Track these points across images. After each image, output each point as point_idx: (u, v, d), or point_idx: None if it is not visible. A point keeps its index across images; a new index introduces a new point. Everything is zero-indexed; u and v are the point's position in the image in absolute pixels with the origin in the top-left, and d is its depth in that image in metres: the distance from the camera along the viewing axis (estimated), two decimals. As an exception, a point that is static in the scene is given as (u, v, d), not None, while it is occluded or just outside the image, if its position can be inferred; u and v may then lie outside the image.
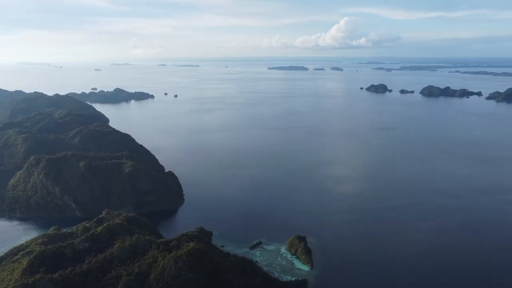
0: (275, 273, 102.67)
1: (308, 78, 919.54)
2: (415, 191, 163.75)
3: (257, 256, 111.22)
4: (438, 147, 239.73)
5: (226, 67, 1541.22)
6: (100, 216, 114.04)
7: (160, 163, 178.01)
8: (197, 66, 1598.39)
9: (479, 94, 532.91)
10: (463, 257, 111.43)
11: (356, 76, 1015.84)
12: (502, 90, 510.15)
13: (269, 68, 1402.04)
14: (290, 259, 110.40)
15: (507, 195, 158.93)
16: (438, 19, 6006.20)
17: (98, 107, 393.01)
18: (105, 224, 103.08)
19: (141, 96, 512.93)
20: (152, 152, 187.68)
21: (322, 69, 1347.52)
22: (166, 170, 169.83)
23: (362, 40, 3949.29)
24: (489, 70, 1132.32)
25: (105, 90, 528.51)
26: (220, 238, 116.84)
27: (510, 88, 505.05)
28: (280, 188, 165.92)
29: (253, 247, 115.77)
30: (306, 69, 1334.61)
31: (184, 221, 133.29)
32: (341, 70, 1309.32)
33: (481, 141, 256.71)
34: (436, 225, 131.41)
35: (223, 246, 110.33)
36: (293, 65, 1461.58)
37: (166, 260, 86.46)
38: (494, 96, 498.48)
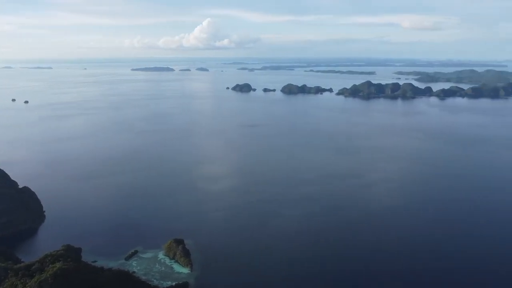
0: (154, 280, 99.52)
1: (175, 79, 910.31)
2: (282, 182, 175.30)
3: (134, 266, 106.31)
4: (300, 140, 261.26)
5: (85, 68, 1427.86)
6: None
7: (12, 178, 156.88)
8: (50, 68, 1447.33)
9: (330, 90, 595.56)
10: (330, 235, 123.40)
11: (221, 76, 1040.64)
12: (348, 86, 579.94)
13: (133, 70, 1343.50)
14: (169, 263, 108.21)
15: (360, 179, 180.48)
16: (291, 22, 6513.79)
17: None
18: None
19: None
20: (1, 167, 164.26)
21: (188, 69, 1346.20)
22: (20, 186, 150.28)
23: (226, 41, 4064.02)
24: (337, 69, 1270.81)
25: None
26: (91, 253, 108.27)
27: (354, 85, 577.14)
28: (153, 193, 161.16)
29: (128, 257, 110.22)
30: (171, 70, 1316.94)
31: (47, 241, 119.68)
32: (207, 70, 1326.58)
33: (336, 132, 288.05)
34: (303, 211, 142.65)
35: (95, 262, 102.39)
36: (158, 66, 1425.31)
37: (28, 287, 76.73)
38: (342, 92, 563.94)
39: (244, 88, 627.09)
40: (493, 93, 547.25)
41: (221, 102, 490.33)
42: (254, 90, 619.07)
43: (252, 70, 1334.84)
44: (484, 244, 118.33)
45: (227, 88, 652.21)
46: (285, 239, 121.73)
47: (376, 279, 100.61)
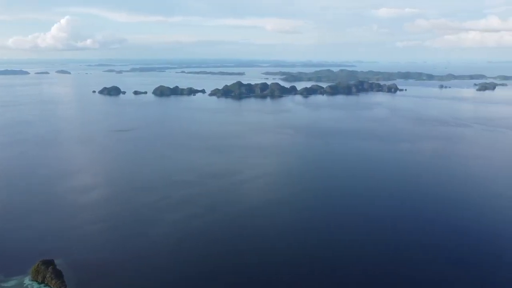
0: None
1: (31, 83, 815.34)
2: (160, 186, 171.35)
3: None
4: (176, 142, 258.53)
5: None
6: None
7: None
8: None
9: (203, 91, 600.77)
10: (213, 234, 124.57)
11: (86, 79, 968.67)
12: (220, 87, 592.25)
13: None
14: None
15: (238, 176, 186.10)
16: (159, 22, 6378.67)
17: None
18: None
19: None
20: None
21: (47, 72, 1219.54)
22: None
23: (88, 42, 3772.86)
24: (208, 70, 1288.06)
25: None
26: None
27: (226, 85, 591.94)
28: (14, 212, 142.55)
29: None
30: (26, 73, 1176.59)
31: None
32: (69, 73, 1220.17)
33: (211, 132, 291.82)
34: (184, 213, 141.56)
35: None
36: (9, 68, 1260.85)
37: None
38: (215, 93, 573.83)
39: (113, 91, 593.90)
40: (347, 90, 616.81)
41: (88, 107, 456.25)
42: (124, 93, 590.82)
43: (120, 72, 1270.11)
44: (358, 223, 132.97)
45: (94, 91, 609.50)
46: (169, 245, 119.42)
47: (263, 272, 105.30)
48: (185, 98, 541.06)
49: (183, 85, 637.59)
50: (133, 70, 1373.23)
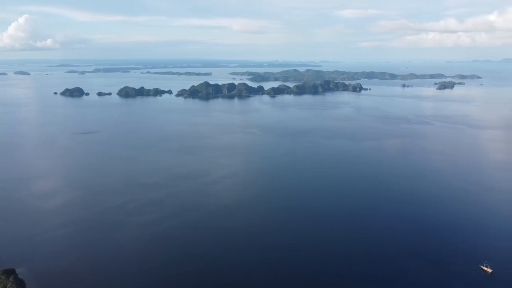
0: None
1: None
2: (126, 188, 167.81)
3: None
4: (142, 143, 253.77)
5: None
6: None
7: None
8: None
9: (170, 92, 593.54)
10: (181, 237, 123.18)
11: (47, 80, 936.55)
12: (187, 87, 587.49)
13: None
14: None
15: (206, 177, 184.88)
16: (123, 22, 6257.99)
17: None
18: None
19: None
20: None
21: (4, 73, 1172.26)
22: None
23: (49, 41, 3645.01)
24: (174, 70, 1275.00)
25: None
26: None
27: (193, 86, 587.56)
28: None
29: None
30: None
31: None
32: (28, 74, 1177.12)
33: (178, 134, 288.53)
34: (151, 216, 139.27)
35: None
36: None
37: None
38: (182, 93, 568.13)
39: (75, 92, 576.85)
40: (313, 90, 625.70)
41: (49, 109, 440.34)
42: (87, 94, 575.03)
43: (83, 73, 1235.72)
44: (321, 222, 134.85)
45: (55, 93, 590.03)
46: (136, 249, 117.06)
47: (231, 272, 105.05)
48: (151, 99, 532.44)
49: (149, 86, 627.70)
50: (96, 70, 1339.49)
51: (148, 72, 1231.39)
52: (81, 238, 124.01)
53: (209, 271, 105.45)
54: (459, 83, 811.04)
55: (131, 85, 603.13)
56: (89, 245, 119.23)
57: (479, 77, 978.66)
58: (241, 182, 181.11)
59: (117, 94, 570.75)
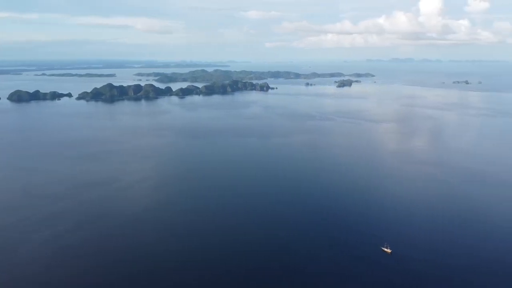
0: None
1: None
2: (23, 203, 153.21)
3: None
4: (41, 152, 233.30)
5: None
6: None
7: None
8: None
9: (69, 95, 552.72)
10: (86, 249, 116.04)
11: None
12: (88, 90, 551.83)
13: None
14: None
15: (116, 183, 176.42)
16: (11, 20, 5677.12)
17: None
18: None
19: None
20: None
21: None
22: None
23: None
24: (73, 72, 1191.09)
25: None
26: None
27: (95, 88, 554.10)
28: None
29: None
30: None
31: None
32: None
33: (82, 140, 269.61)
34: (54, 230, 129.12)
35: None
36: None
37: None
38: (83, 96, 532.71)
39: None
40: (222, 90, 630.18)
41: None
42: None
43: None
44: (238, 221, 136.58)
45: None
46: (37, 266, 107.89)
47: (145, 280, 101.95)
48: (48, 103, 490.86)
49: (45, 88, 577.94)
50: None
51: (43, 74, 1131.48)
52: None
53: (120, 281, 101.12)
54: (356, 81, 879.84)
55: (23, 89, 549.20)
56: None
57: (372, 75, 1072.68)
58: (152, 186, 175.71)
59: (8, 98, 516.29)
